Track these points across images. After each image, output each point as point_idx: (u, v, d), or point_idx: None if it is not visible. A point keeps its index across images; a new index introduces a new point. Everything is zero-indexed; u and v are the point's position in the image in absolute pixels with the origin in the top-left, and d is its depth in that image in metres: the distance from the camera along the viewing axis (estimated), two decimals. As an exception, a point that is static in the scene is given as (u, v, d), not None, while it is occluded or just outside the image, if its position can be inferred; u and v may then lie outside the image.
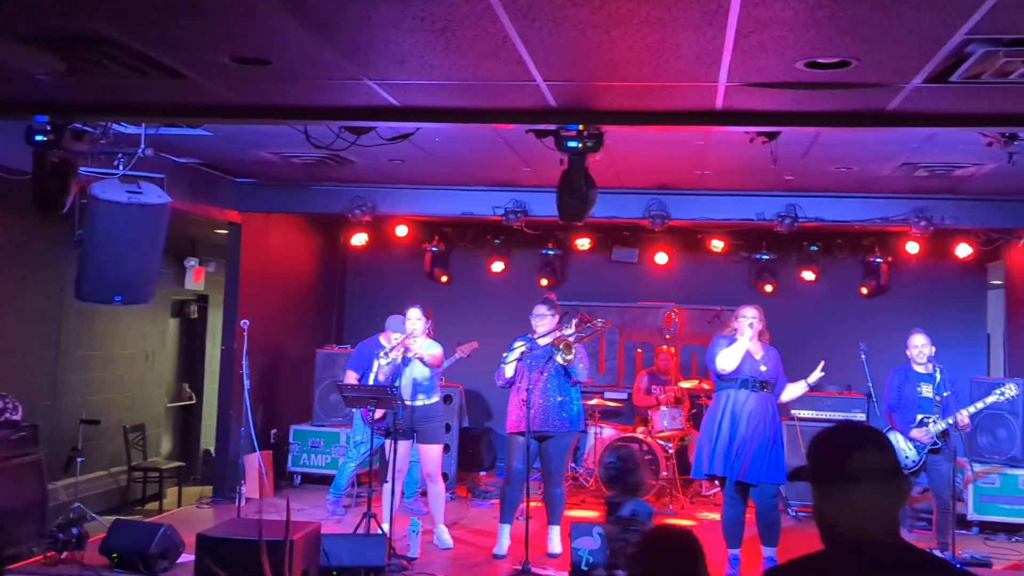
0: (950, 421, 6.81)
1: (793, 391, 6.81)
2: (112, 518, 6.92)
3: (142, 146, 6.16)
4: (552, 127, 5.22)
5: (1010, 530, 8.31)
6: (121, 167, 6.18)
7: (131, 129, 6.17)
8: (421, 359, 7.13)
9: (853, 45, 3.87)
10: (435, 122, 5.40)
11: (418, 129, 6.05)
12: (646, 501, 5.20)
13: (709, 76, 4.36)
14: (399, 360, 7.19)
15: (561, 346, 6.93)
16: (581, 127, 5.15)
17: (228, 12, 3.74)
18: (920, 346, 7.06)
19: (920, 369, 7.07)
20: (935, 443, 6.89)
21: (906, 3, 3.38)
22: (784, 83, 4.42)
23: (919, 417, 6.94)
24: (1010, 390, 7.05)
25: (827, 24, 3.62)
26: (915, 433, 6.89)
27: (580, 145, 5.18)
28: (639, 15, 3.57)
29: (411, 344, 7.14)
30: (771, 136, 5.62)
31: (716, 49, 3.96)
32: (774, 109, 4.96)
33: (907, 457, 6.99)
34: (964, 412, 6.87)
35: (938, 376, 6.96)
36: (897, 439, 7.05)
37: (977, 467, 8.30)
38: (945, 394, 6.93)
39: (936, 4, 3.38)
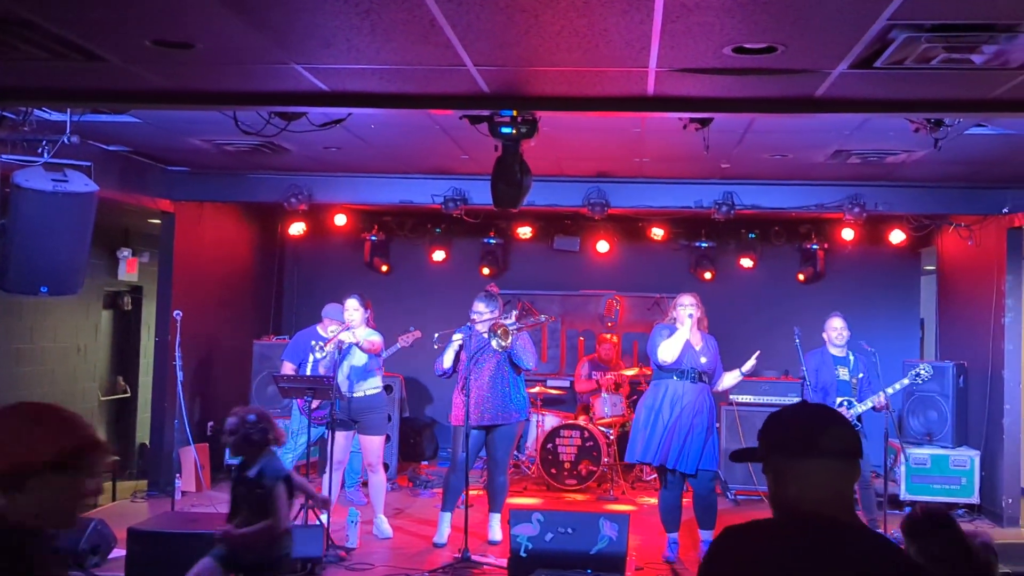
0: (869, 404, 6.93)
1: (728, 380, 6.89)
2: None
3: (67, 132, 6.00)
4: (485, 113, 5.18)
5: (941, 509, 8.51)
6: (45, 155, 6.02)
7: (55, 116, 6.00)
8: (358, 345, 7.07)
9: (779, 30, 3.89)
10: (366, 107, 5.30)
11: (350, 115, 5.95)
12: (278, 459, 4.65)
13: (639, 61, 4.35)
14: (337, 355, 7.12)
15: (499, 332, 6.88)
16: (515, 113, 5.12)
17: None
18: (839, 329, 7.17)
19: (836, 352, 7.18)
20: (856, 425, 7.01)
21: (828, -12, 3.41)
22: (713, 69, 4.43)
23: (838, 400, 7.05)
24: (924, 370, 7.15)
25: (753, 9, 3.62)
26: None
27: (514, 131, 5.15)
28: (565, -2, 3.55)
29: (346, 337, 7.07)
30: (704, 123, 5.64)
31: (644, 34, 3.95)
32: (705, 95, 4.96)
33: None
34: (882, 393, 6.99)
35: (851, 359, 7.08)
36: None
37: (910, 449, 8.47)
38: (860, 376, 7.05)
39: (857, -11, 3.41)
